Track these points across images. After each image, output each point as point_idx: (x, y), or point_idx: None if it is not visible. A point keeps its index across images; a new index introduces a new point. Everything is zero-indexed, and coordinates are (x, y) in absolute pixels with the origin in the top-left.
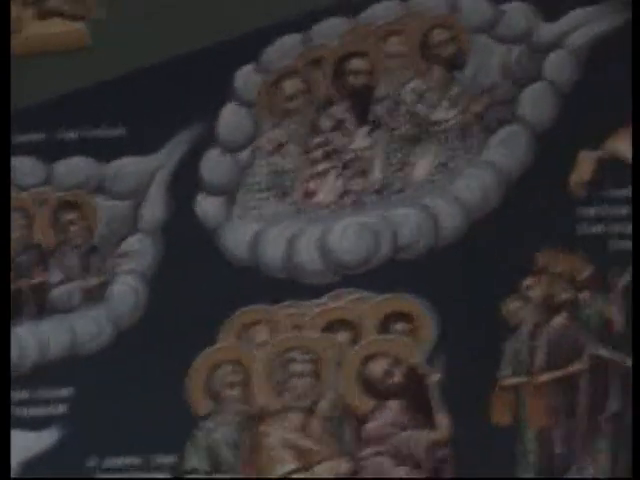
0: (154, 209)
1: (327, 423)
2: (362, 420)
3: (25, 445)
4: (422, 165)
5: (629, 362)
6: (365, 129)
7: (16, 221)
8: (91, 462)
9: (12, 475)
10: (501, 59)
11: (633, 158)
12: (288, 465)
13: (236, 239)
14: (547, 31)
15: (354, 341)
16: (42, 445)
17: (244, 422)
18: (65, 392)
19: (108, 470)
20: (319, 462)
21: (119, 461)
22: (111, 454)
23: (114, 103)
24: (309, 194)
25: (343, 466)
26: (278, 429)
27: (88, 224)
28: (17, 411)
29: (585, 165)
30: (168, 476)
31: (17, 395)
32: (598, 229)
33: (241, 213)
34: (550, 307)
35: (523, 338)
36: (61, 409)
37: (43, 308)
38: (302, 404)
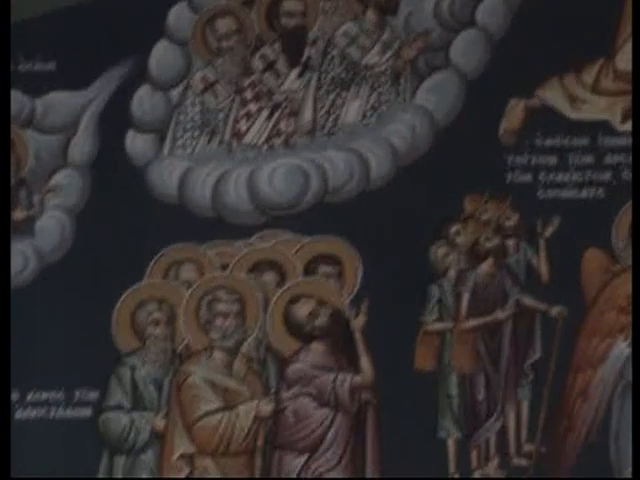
0: (83, 145)
1: (251, 363)
2: (286, 361)
3: None
4: (353, 109)
5: (553, 311)
6: (297, 71)
7: None
8: (13, 396)
9: None
10: (434, 5)
11: (633, 157)
12: (211, 404)
13: (165, 177)
14: None
15: (280, 283)
16: None
17: (169, 360)
18: None
19: (30, 405)
20: (242, 402)
21: (42, 396)
22: (34, 389)
23: (46, 38)
24: (239, 134)
25: (265, 406)
26: (202, 368)
27: (17, 158)
28: None
29: (515, 113)
30: (91, 412)
31: None
32: (527, 178)
33: (170, 151)
34: (477, 254)
35: (449, 284)
36: None
37: None
38: (227, 344)
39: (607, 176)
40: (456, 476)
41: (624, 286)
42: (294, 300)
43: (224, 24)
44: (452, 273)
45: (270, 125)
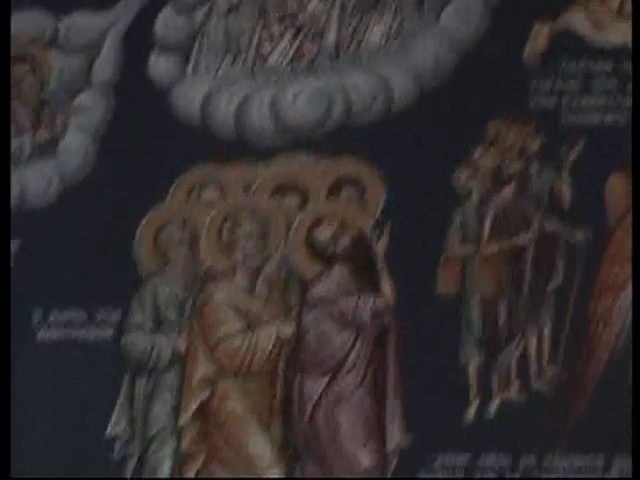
0: (107, 66)
1: (273, 285)
2: (308, 284)
3: None
4: (376, 32)
5: (576, 236)
6: None
7: None
8: (35, 316)
9: None
10: None
11: (633, 155)
12: (233, 326)
13: (188, 98)
14: None
15: (302, 205)
16: None
17: (190, 282)
18: (12, 245)
19: (52, 324)
20: (264, 324)
21: (64, 316)
22: (56, 308)
23: None
24: (263, 56)
25: (287, 328)
26: (224, 290)
27: (40, 78)
28: None
29: (540, 37)
30: (112, 332)
31: None
32: (551, 102)
33: (194, 73)
34: (500, 178)
35: (472, 208)
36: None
37: None
38: (249, 266)
39: (631, 101)
40: (477, 400)
41: None
42: (316, 223)
43: None
44: (475, 197)
45: (294, 47)
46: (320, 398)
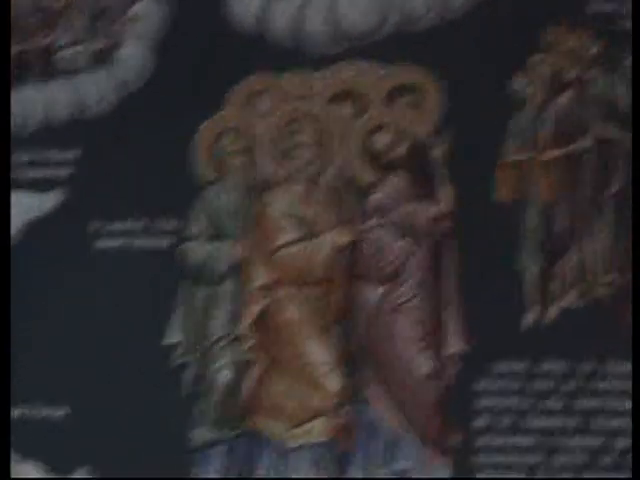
0: None
1: (330, 194)
2: (365, 192)
3: (29, 207)
4: None
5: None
6: None
7: None
8: (94, 226)
9: (17, 235)
10: None
11: (633, 155)
12: (290, 234)
13: (244, 7)
14: None
15: (360, 113)
16: (46, 207)
17: (247, 190)
18: (70, 155)
19: (111, 234)
20: (321, 232)
21: (122, 225)
22: (114, 218)
23: None
24: None
25: (345, 236)
26: (281, 198)
27: None
28: (21, 173)
29: None
30: (170, 241)
31: (21, 157)
32: (609, 7)
33: None
34: (557, 84)
35: (529, 114)
36: (65, 171)
37: (49, 70)
38: (306, 174)
39: None
40: (535, 306)
41: None
42: (374, 130)
43: None
44: (533, 103)
45: None
46: (378, 305)
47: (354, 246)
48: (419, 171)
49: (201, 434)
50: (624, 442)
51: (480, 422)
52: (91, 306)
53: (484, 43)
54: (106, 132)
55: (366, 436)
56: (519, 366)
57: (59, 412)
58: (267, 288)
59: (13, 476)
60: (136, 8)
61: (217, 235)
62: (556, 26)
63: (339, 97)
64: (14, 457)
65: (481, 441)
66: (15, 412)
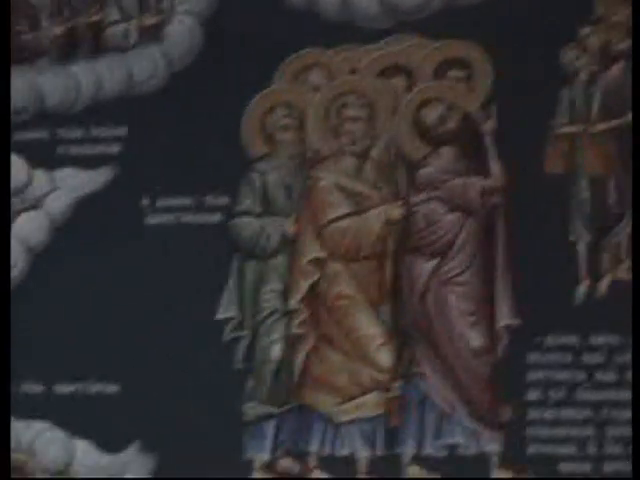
0: None
1: (380, 168)
2: (416, 166)
3: (79, 184)
4: None
5: None
6: None
7: None
8: (144, 202)
9: (68, 211)
10: None
11: (633, 157)
12: (341, 209)
13: None
14: None
15: (409, 87)
16: (95, 184)
17: (298, 165)
18: (120, 131)
19: (160, 210)
20: (372, 206)
21: (173, 201)
22: (164, 194)
23: None
24: None
25: (395, 211)
26: (331, 173)
27: None
28: (71, 149)
29: None
30: (221, 216)
31: (71, 134)
32: None
33: None
34: (608, 56)
35: (580, 87)
36: (116, 148)
37: (99, 47)
38: (356, 148)
39: None
40: (587, 279)
41: None
42: (423, 104)
43: None
44: (583, 76)
45: None
46: (429, 279)
47: (405, 220)
48: (469, 145)
49: (253, 408)
50: None
51: (531, 395)
52: (143, 282)
53: (534, 16)
54: (156, 108)
55: (417, 410)
56: (570, 340)
57: (110, 389)
58: (318, 263)
59: (66, 453)
60: None
61: (268, 210)
62: None
63: (388, 71)
64: (65, 434)
65: (532, 415)
66: (66, 389)
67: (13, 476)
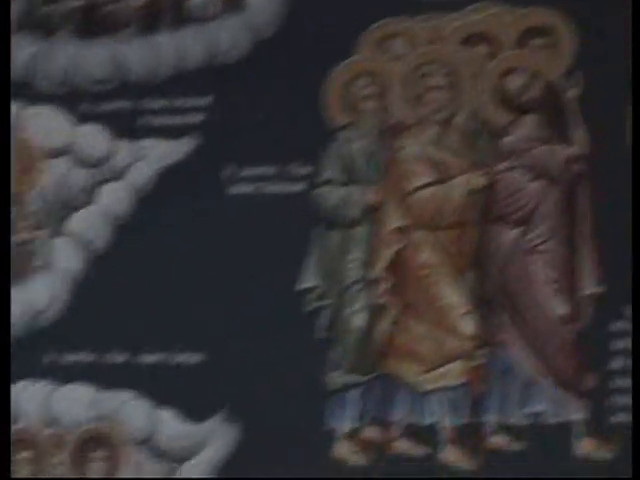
0: None
1: (463, 137)
2: (499, 134)
3: (162, 154)
4: None
5: None
6: None
7: None
8: (227, 171)
9: (150, 182)
10: None
11: (633, 156)
12: (424, 177)
13: None
14: None
15: (492, 55)
16: (178, 154)
17: (380, 135)
18: (202, 101)
19: (244, 179)
20: (454, 175)
21: (255, 171)
22: (247, 164)
23: None
24: None
25: (479, 179)
26: (414, 142)
27: None
28: (154, 120)
29: None
30: (303, 186)
31: (154, 104)
32: None
33: None
34: None
35: None
36: (198, 118)
37: (182, 17)
38: (439, 117)
39: None
40: None
41: None
42: (507, 72)
43: None
44: None
45: None
46: (513, 247)
47: (488, 189)
48: (552, 113)
49: (336, 378)
50: None
51: (615, 364)
52: (225, 252)
53: None
54: (238, 78)
55: (501, 379)
56: None
57: (194, 358)
58: (401, 232)
59: (151, 422)
60: None
61: (350, 179)
62: None
63: (471, 40)
64: (150, 404)
65: (616, 383)
66: (151, 359)
67: (98, 446)
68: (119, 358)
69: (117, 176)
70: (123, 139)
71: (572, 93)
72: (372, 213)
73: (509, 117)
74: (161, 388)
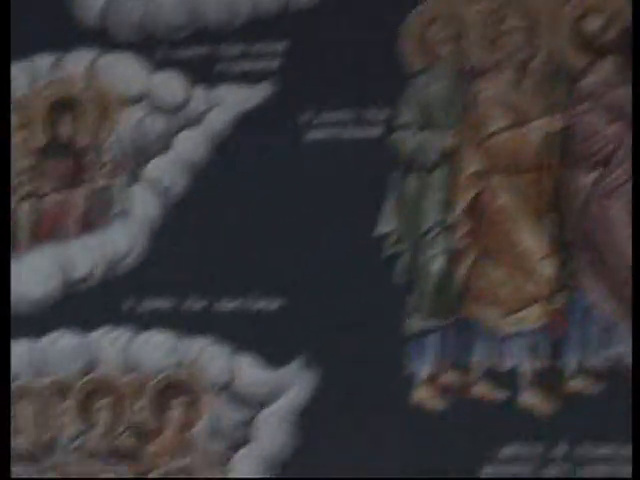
0: None
1: (541, 79)
2: (576, 77)
3: (239, 100)
4: None
5: None
6: None
7: None
8: (304, 117)
9: (227, 128)
10: None
11: (633, 156)
12: (501, 121)
13: None
14: None
15: None
16: (255, 100)
17: (457, 78)
18: (279, 46)
19: (321, 125)
20: (532, 119)
21: (332, 116)
22: (324, 109)
23: None
24: None
25: (556, 122)
26: (491, 86)
27: None
28: (231, 66)
29: None
30: (380, 130)
31: (231, 50)
32: None
33: None
34: None
35: None
36: (275, 63)
37: None
38: (515, 60)
39: None
40: None
41: None
42: (584, 14)
43: None
44: None
45: None
46: (592, 191)
47: (565, 132)
48: (629, 56)
49: (414, 323)
50: None
51: None
52: (302, 197)
53: None
54: (315, 23)
55: (580, 322)
56: None
57: (273, 304)
58: (479, 176)
59: (230, 368)
60: None
61: (428, 124)
62: None
63: None
64: (229, 349)
65: None
66: (229, 305)
67: (178, 392)
68: (198, 304)
69: (194, 123)
70: (199, 85)
71: None
72: (449, 157)
73: (587, 59)
74: (240, 334)
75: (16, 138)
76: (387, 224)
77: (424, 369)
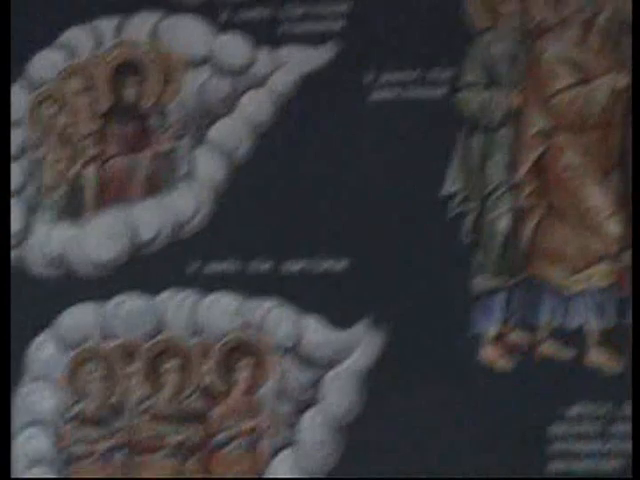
0: None
1: (606, 37)
2: None
3: (302, 60)
4: None
5: None
6: None
7: None
8: (367, 77)
9: (291, 89)
10: None
11: (633, 156)
12: (567, 79)
13: None
14: None
15: None
16: (319, 61)
17: (522, 37)
18: (343, 7)
19: (385, 85)
20: (597, 76)
21: (396, 76)
22: (388, 69)
23: None
24: None
25: (622, 79)
26: (556, 44)
27: None
28: (295, 27)
29: None
30: (445, 90)
31: (295, 11)
32: None
33: None
34: None
35: None
36: (338, 24)
37: None
38: (580, 18)
39: None
40: None
41: None
42: None
43: None
44: None
45: None
46: None
47: (632, 88)
48: None
49: (481, 282)
50: None
51: None
52: (367, 158)
53: None
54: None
55: None
56: None
57: (339, 265)
58: (544, 134)
59: (296, 329)
60: None
61: (492, 83)
62: None
63: None
64: (295, 311)
65: None
66: (295, 266)
67: (244, 354)
68: (263, 266)
69: (257, 84)
70: (263, 47)
71: None
72: (514, 116)
73: None
74: (306, 295)
75: (80, 102)
76: (452, 184)
77: (490, 329)
